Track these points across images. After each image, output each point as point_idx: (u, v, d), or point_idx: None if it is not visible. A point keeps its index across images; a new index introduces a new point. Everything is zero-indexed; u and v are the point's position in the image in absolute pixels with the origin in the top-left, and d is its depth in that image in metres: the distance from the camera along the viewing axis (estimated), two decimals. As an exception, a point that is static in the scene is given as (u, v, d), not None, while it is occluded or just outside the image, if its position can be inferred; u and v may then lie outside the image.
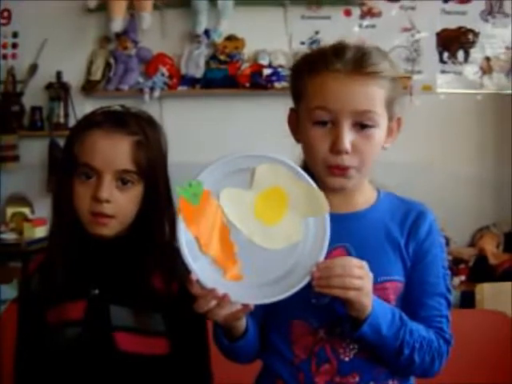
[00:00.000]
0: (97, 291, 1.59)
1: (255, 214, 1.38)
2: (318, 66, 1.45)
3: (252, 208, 1.38)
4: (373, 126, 1.43)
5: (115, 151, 1.55)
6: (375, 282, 1.40)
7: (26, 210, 4.73)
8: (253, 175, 1.37)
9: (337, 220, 1.42)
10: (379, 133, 1.45)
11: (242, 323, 1.43)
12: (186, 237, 1.35)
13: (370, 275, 1.36)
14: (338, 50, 1.45)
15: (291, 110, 1.55)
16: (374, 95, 1.43)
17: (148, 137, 1.59)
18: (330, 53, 1.45)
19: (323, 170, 1.45)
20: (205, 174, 1.36)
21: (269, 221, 1.38)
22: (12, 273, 4.17)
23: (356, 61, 1.42)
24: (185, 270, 1.34)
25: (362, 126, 1.42)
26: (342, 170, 1.43)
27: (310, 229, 1.37)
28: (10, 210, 4.74)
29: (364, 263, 1.35)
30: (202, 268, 1.34)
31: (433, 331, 1.48)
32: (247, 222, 1.37)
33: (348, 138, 1.41)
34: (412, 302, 1.50)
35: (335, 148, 1.41)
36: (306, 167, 1.50)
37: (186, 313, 1.33)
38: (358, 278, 1.32)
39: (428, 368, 1.47)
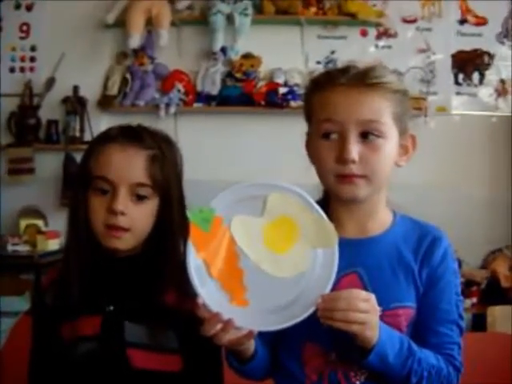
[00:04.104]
0: (112, 307, 1.59)
1: (265, 241, 1.38)
2: (323, 83, 1.49)
3: (262, 236, 1.39)
4: (379, 136, 1.44)
5: (130, 164, 1.56)
6: (387, 309, 1.41)
7: (39, 223, 4.75)
8: (264, 203, 1.38)
9: (351, 245, 1.44)
10: (388, 145, 1.46)
11: (250, 347, 1.43)
12: (194, 262, 1.36)
13: (377, 308, 1.36)
14: (344, 68, 1.49)
15: (306, 134, 1.56)
16: (379, 106, 1.45)
17: (163, 152, 1.60)
18: (335, 71, 1.50)
19: (332, 181, 1.46)
20: (217, 200, 1.38)
21: (278, 249, 1.38)
22: (24, 285, 4.18)
23: (360, 74, 1.46)
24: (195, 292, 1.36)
25: (368, 136, 1.43)
26: (349, 178, 1.43)
27: (318, 259, 1.37)
28: (23, 223, 4.75)
29: (371, 296, 1.35)
30: (209, 292, 1.35)
31: (443, 358, 1.47)
32: (256, 250, 1.38)
33: (354, 147, 1.42)
34: (423, 328, 1.49)
35: (341, 157, 1.42)
36: (324, 197, 1.53)
37: (199, 330, 1.34)
38: (362, 312, 1.32)
39: None
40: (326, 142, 1.45)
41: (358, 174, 1.43)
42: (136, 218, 1.56)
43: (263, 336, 1.44)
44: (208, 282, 1.36)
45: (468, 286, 4.29)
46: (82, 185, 1.60)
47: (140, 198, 1.57)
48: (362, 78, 1.45)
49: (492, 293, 4.31)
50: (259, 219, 1.39)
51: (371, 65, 1.49)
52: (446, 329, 1.49)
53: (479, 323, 3.87)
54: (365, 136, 1.43)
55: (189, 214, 1.37)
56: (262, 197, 1.38)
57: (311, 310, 1.34)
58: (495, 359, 2.61)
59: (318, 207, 1.38)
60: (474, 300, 4.32)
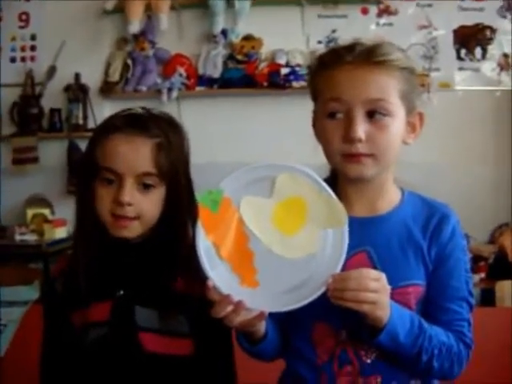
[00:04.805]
0: (122, 292, 1.60)
1: (274, 222, 1.38)
2: (330, 62, 1.46)
3: (271, 217, 1.38)
4: (386, 115, 1.42)
5: (136, 154, 1.54)
6: (397, 287, 1.40)
7: (46, 211, 4.77)
8: (273, 184, 1.37)
9: (360, 224, 1.44)
10: (395, 123, 1.44)
11: (261, 328, 1.43)
12: (204, 244, 1.36)
13: (387, 287, 1.35)
14: (350, 45, 1.46)
15: (313, 112, 1.54)
16: (385, 84, 1.42)
17: (169, 139, 1.58)
18: (342, 48, 1.47)
19: (339, 160, 1.44)
20: (226, 182, 1.37)
21: (288, 230, 1.37)
22: (33, 274, 4.20)
23: (366, 52, 1.43)
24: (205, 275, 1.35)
25: (375, 114, 1.41)
26: (356, 157, 1.42)
27: (328, 240, 1.37)
28: (30, 212, 4.78)
29: (382, 275, 1.35)
30: (219, 275, 1.35)
31: (453, 335, 1.47)
32: (266, 231, 1.37)
33: (361, 126, 1.40)
34: (433, 305, 1.49)
35: (348, 137, 1.40)
36: (332, 176, 1.52)
37: (210, 314, 1.34)
38: (373, 291, 1.32)
39: (448, 372, 1.47)
40: (332, 122, 1.44)
41: (365, 153, 1.42)
42: (143, 207, 1.56)
43: (274, 317, 1.44)
44: (218, 264, 1.36)
45: (476, 261, 4.30)
46: (87, 174, 1.59)
47: (147, 187, 1.56)
48: (369, 56, 1.42)
49: (500, 267, 4.31)
50: (268, 200, 1.38)
51: (377, 42, 1.46)
52: (456, 306, 1.49)
53: (488, 298, 3.87)
54: (371, 115, 1.41)
55: (197, 195, 1.37)
56: (271, 178, 1.37)
57: (322, 291, 1.34)
58: (504, 334, 2.61)
59: (327, 187, 1.37)
60: (482, 275, 4.34)
